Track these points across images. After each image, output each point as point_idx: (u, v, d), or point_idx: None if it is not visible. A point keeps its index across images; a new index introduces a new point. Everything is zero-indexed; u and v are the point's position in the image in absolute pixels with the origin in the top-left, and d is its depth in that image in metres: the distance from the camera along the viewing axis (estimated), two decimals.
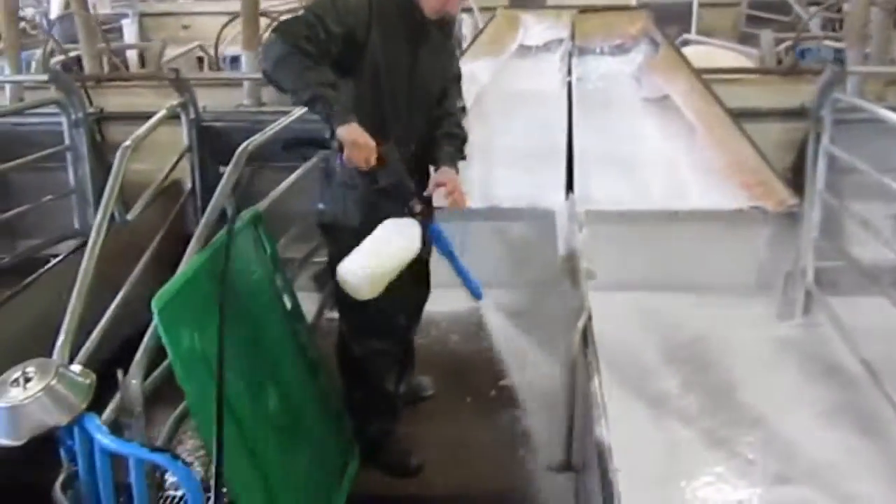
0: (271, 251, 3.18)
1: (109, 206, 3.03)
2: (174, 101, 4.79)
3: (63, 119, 4.72)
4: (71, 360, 2.47)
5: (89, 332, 2.69)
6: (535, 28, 5.39)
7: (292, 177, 3.92)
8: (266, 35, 4.71)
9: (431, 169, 3.19)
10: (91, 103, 5.15)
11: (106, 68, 6.56)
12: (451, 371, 4.01)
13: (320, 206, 3.21)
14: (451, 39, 3.39)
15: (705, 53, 5.78)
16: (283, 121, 3.73)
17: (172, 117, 4.62)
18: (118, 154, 3.31)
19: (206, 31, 8.51)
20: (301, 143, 3.20)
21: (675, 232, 4.78)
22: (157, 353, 2.48)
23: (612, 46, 5.32)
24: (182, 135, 4.76)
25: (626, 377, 3.79)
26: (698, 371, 4.23)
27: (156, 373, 2.53)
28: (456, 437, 3.70)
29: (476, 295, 3.31)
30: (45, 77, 4.91)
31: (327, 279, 4.36)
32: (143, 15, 9.61)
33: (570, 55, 5.25)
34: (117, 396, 3.19)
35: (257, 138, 3.37)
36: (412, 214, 3.00)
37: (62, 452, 2.37)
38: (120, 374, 2.34)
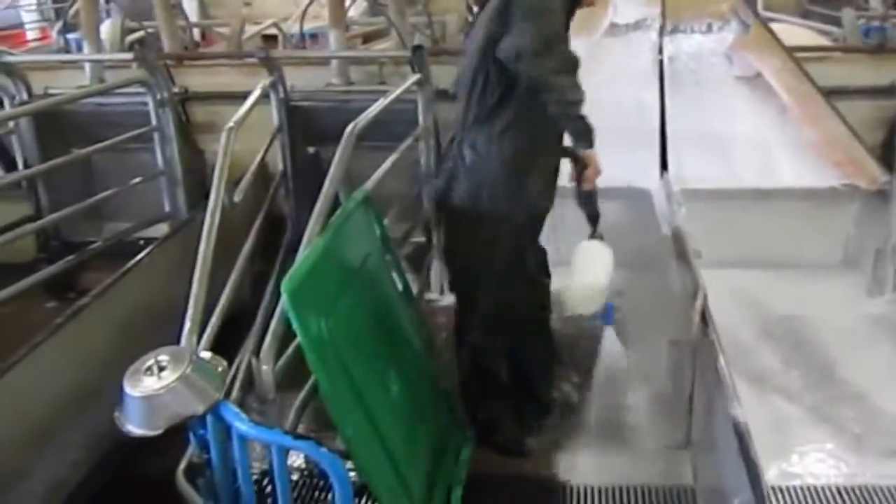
0: (381, 232, 3.15)
1: (221, 189, 3.00)
2: (257, 80, 4.72)
3: (148, 99, 4.68)
4: None
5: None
6: (626, 6, 5.35)
7: (392, 157, 3.89)
8: None
9: None
10: (174, 83, 5.12)
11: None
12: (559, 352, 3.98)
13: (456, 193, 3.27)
14: None
15: (784, 31, 5.71)
16: (382, 101, 3.67)
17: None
18: (224, 135, 3.27)
19: (266, 7, 8.46)
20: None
21: (764, 210, 4.77)
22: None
23: (703, 25, 5.28)
24: (271, 115, 4.70)
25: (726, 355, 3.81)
26: (795, 348, 4.25)
27: (281, 360, 2.51)
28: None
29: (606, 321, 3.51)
30: (129, 56, 4.88)
31: (429, 261, 4.39)
32: None
33: (661, 33, 5.23)
34: (237, 381, 3.24)
35: (362, 119, 3.32)
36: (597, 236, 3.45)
37: (192, 440, 2.36)
38: (254, 360, 2.33)
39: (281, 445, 2.18)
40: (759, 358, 4.11)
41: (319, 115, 4.98)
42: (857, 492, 3.20)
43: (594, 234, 3.45)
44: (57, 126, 5.05)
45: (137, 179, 4.68)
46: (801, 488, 3.21)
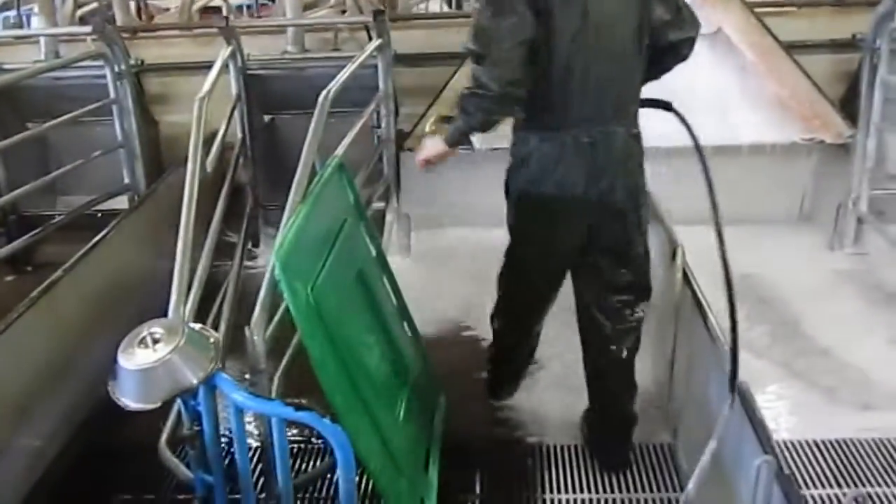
0: (355, 197, 3.13)
1: (198, 158, 2.97)
2: (211, 50, 4.60)
3: (106, 72, 4.63)
4: None
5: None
6: None
7: (359, 123, 3.86)
8: None
9: None
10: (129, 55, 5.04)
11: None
12: None
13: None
14: None
15: None
16: (350, 67, 3.63)
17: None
18: (196, 105, 3.22)
19: None
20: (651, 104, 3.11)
21: (723, 167, 4.75)
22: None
23: None
24: (228, 84, 4.61)
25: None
26: (759, 304, 4.29)
27: (270, 328, 2.48)
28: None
29: None
30: (87, 29, 4.80)
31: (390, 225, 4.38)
32: None
33: None
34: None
35: (334, 86, 3.29)
36: None
37: (183, 412, 2.35)
38: (247, 331, 2.30)
39: (281, 417, 2.17)
40: (723, 315, 4.14)
41: (276, 83, 4.95)
42: (835, 445, 3.24)
43: None
44: (12, 101, 4.99)
45: (97, 153, 4.63)
46: (778, 443, 3.20)
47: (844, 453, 3.20)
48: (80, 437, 3.30)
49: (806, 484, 3.04)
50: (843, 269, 4.62)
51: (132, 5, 7.46)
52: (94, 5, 6.41)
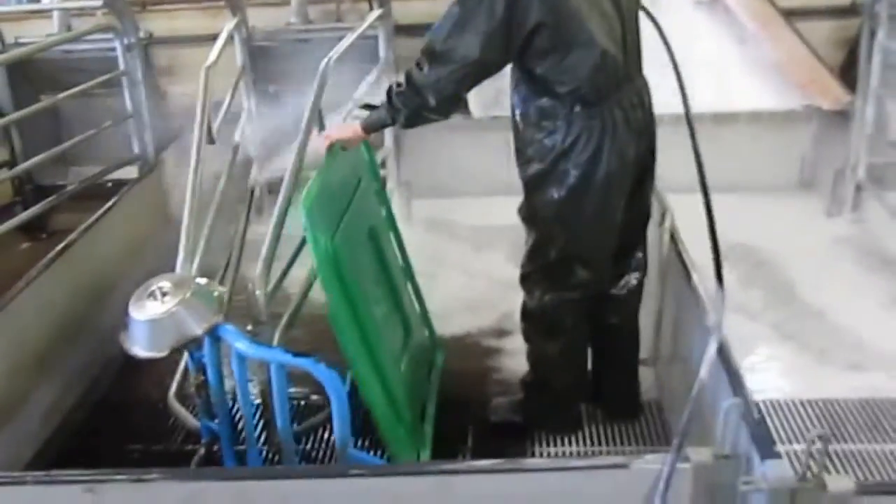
0: (370, 158, 3.23)
1: (205, 127, 3.09)
2: (218, 21, 4.73)
3: (116, 44, 4.69)
4: None
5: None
6: None
7: (362, 88, 3.94)
8: None
9: None
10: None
11: None
12: None
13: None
14: None
15: None
16: (351, 36, 3.70)
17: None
18: (202, 74, 3.33)
19: None
20: None
21: (722, 134, 4.81)
22: None
23: None
24: (232, 56, 4.69)
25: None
26: (755, 268, 4.36)
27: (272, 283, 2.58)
28: None
29: None
30: (98, 3, 4.88)
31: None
32: None
33: None
34: None
35: (334, 54, 3.36)
36: None
37: (189, 363, 2.50)
38: (249, 284, 2.41)
39: (281, 363, 2.26)
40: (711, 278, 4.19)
41: (280, 54, 5.00)
42: (822, 405, 3.31)
43: None
44: (26, 74, 5.12)
45: (108, 124, 4.71)
46: (766, 402, 3.28)
47: (830, 412, 3.27)
48: (94, 391, 3.51)
49: (789, 439, 3.11)
50: (840, 236, 4.66)
51: None
52: None
